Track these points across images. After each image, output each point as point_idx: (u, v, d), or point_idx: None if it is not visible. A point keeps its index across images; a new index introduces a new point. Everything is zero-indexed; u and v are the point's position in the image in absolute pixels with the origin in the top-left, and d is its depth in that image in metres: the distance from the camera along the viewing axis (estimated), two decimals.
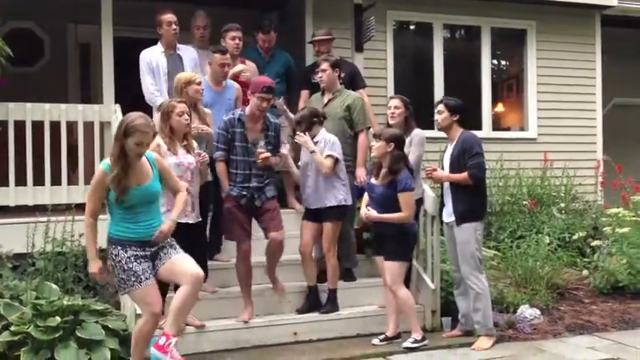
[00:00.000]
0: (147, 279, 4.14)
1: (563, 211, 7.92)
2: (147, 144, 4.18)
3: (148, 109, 5.57)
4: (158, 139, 4.98)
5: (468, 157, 5.40)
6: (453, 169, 5.47)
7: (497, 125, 8.98)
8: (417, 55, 8.72)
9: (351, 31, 7.60)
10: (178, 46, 6.21)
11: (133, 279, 4.12)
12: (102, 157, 5.48)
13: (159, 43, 6.14)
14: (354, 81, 6.69)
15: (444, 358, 5.21)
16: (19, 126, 5.78)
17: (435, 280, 5.88)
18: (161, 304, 4.31)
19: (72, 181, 5.95)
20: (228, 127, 5.37)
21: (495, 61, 9.20)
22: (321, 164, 5.50)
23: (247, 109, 5.42)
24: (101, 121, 5.98)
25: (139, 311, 4.46)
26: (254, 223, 5.50)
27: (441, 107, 5.58)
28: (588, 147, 9.00)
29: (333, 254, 5.60)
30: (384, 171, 5.34)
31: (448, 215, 5.54)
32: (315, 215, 5.62)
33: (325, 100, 6.10)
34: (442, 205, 5.67)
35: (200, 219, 5.19)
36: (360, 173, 5.96)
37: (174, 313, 4.24)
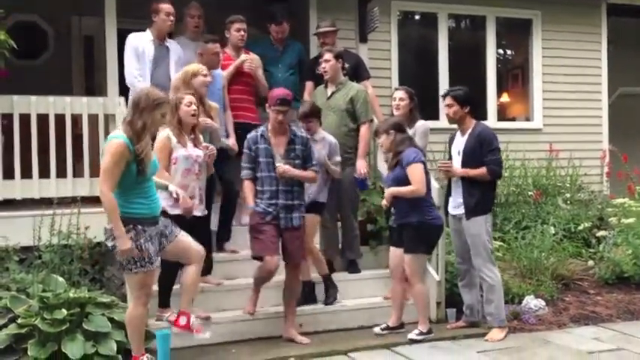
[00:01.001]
0: (154, 262, 4.23)
1: (568, 202, 7.90)
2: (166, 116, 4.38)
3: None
4: (167, 131, 4.99)
5: (486, 151, 5.32)
6: (466, 162, 5.38)
7: (502, 115, 8.95)
8: (422, 46, 8.69)
9: (355, 22, 7.57)
10: (167, 39, 6.19)
11: (145, 260, 4.17)
12: None
13: (148, 31, 6.10)
14: (358, 72, 6.67)
15: (448, 349, 5.22)
16: (24, 119, 5.79)
17: (440, 272, 5.89)
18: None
19: (77, 173, 5.96)
20: (251, 145, 5.17)
21: (501, 51, 9.15)
22: (335, 172, 5.64)
23: (269, 124, 5.22)
24: (106, 114, 5.97)
25: None
26: None
27: (449, 100, 5.42)
28: (594, 137, 8.98)
29: (313, 245, 5.64)
30: (394, 159, 5.32)
31: (456, 207, 5.50)
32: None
33: (329, 93, 6.09)
34: (447, 196, 5.65)
35: (206, 212, 5.22)
36: (361, 165, 5.95)
37: (189, 292, 4.54)
